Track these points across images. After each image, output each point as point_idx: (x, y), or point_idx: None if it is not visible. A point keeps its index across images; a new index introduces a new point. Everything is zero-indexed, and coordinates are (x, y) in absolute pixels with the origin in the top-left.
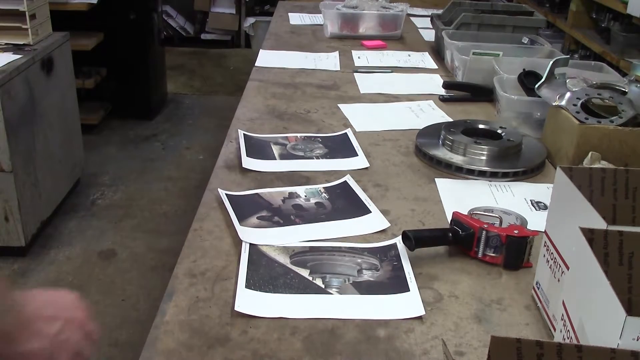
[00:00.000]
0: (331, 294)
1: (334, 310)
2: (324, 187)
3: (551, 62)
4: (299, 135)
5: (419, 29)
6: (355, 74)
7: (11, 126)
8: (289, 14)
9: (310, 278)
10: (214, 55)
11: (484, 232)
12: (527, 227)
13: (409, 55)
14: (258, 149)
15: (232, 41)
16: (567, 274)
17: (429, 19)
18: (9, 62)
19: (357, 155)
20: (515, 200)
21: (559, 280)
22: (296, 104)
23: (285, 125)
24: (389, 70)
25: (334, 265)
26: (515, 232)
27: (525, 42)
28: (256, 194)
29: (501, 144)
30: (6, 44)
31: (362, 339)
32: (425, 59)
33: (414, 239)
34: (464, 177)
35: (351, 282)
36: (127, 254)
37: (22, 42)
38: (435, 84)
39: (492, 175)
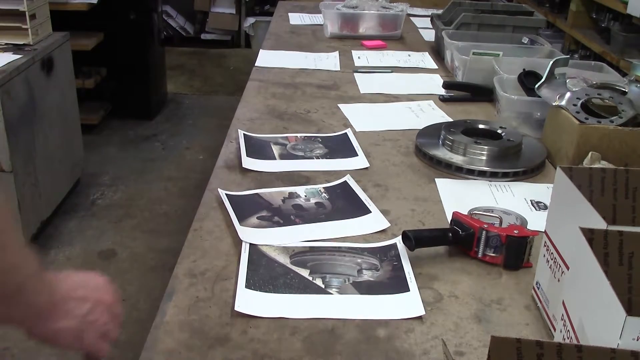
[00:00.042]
0: (331, 294)
1: (334, 310)
2: (324, 187)
3: (551, 62)
4: (299, 135)
5: (419, 29)
6: (355, 74)
7: (11, 126)
8: (289, 14)
9: (310, 278)
10: (214, 55)
11: (484, 232)
12: (527, 227)
13: (409, 55)
14: (258, 149)
15: (232, 41)
16: (567, 274)
17: (429, 19)
18: (9, 62)
19: (357, 155)
20: (515, 200)
21: (559, 280)
22: (296, 104)
23: (285, 125)
24: (389, 70)
25: (334, 265)
26: (515, 232)
27: (525, 42)
28: (256, 194)
29: (501, 144)
30: (6, 44)
31: (362, 339)
32: (425, 59)
33: (414, 239)
34: (464, 177)
35: (351, 282)
36: (127, 254)
37: (22, 42)
38: (435, 84)
39: (492, 175)
